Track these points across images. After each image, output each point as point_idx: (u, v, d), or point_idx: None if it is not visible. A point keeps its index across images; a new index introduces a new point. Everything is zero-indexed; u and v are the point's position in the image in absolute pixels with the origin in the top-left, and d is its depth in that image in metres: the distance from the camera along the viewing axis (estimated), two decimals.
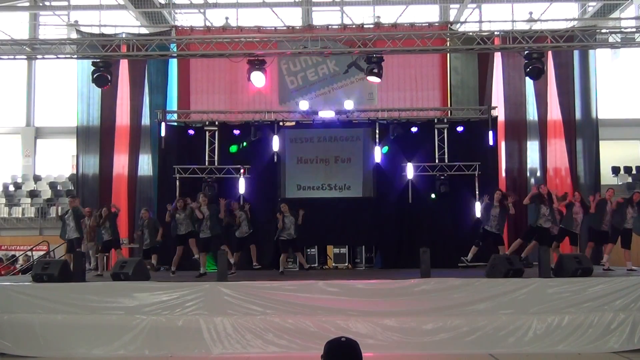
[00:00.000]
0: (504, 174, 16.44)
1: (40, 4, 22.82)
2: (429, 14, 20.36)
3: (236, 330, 9.68)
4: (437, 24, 17.58)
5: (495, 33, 13.52)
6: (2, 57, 12.81)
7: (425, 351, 9.47)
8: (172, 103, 17.24)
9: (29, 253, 17.62)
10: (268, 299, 9.89)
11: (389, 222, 15.21)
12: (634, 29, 12.82)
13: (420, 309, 9.83)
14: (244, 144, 15.71)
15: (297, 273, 13.41)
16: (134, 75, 16.96)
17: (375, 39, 13.03)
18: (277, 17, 19.38)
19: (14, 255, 18.36)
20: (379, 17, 18.63)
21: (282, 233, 12.64)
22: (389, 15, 19.16)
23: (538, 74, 12.75)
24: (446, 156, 15.45)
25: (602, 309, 9.69)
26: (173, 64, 17.23)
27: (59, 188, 21.31)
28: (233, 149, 15.90)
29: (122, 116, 17.04)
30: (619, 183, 20.77)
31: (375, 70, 12.53)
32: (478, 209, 14.45)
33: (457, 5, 20.39)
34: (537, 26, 16.92)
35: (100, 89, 15.98)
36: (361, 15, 19.27)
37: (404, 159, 15.33)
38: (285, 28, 17.31)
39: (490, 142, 15.43)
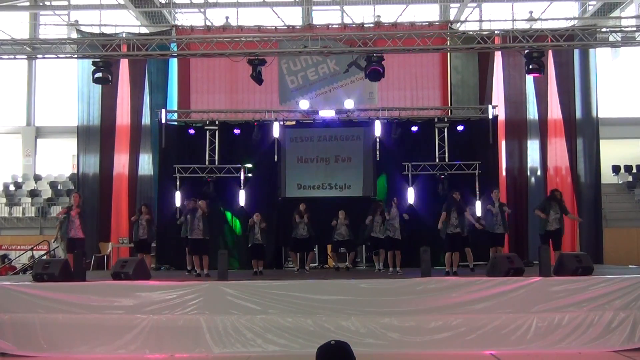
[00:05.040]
0: (504, 173, 16.41)
1: (41, 4, 22.83)
2: (429, 13, 20.36)
3: (237, 330, 9.67)
4: (437, 23, 17.57)
5: (496, 32, 13.51)
6: (2, 56, 12.80)
7: (425, 350, 9.47)
8: (173, 102, 17.24)
9: (30, 253, 17.63)
10: (268, 298, 9.87)
11: None
12: (634, 28, 12.81)
13: (421, 308, 9.81)
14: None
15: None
16: (134, 74, 16.93)
17: (375, 38, 13.03)
18: (278, 17, 19.41)
19: (6, 255, 18.34)
20: (379, 16, 18.61)
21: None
22: (389, 14, 19.17)
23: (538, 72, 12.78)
24: (446, 155, 15.44)
25: (602, 308, 9.66)
26: (173, 63, 17.23)
27: (59, 188, 21.33)
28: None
29: (123, 116, 17.01)
30: (620, 182, 20.80)
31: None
32: (479, 208, 14.43)
33: (457, 5, 20.40)
34: (537, 25, 16.95)
35: (100, 89, 16.02)
36: (361, 15, 19.27)
37: (404, 158, 15.31)
38: (285, 27, 17.32)
39: (491, 141, 15.44)
